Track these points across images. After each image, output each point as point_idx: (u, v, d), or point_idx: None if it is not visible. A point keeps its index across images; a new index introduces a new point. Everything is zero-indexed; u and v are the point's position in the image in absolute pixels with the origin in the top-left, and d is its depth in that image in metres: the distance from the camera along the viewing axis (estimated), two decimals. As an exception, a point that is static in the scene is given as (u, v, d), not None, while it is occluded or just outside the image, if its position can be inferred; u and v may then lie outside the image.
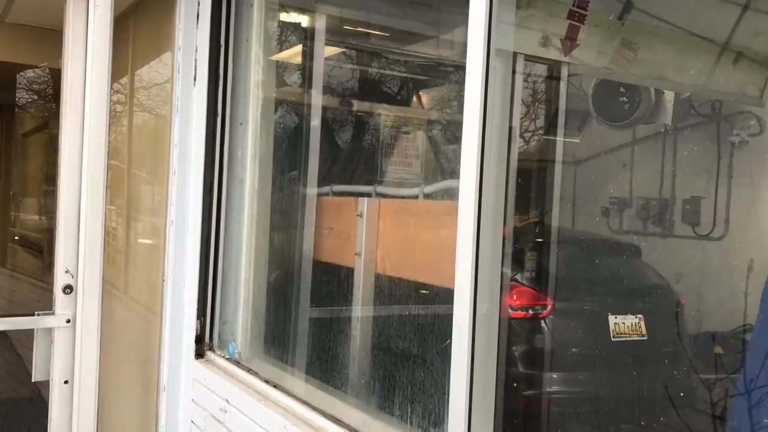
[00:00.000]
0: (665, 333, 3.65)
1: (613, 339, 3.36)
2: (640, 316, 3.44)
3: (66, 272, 2.72)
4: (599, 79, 3.98)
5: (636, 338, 3.40)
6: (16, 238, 7.45)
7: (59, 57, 2.76)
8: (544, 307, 3.59)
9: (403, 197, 2.93)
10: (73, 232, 2.71)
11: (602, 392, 3.45)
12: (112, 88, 2.80)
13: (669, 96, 3.94)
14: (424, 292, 2.20)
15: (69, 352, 2.73)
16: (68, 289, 2.72)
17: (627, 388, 3.43)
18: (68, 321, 2.72)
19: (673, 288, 3.85)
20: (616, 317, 3.35)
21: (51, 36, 3.39)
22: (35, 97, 7.31)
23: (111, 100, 2.79)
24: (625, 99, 3.94)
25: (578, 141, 4.29)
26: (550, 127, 4.12)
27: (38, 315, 2.72)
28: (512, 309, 3.47)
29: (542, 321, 3.56)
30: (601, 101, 4.03)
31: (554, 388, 3.51)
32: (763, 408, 1.93)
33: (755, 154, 4.04)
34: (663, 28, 2.99)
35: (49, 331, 2.73)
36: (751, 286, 3.18)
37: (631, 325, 3.39)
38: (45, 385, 2.82)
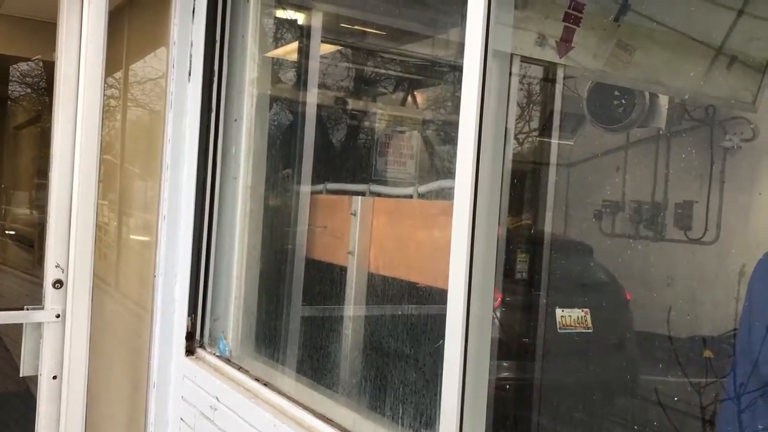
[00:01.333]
0: (611, 326, 3.79)
1: (559, 331, 3.47)
2: (587, 309, 3.56)
3: (56, 267, 2.70)
4: (594, 82, 3.99)
5: (582, 330, 3.52)
6: (7, 231, 7.41)
7: (53, 50, 2.75)
8: (494, 299, 3.66)
9: (397, 196, 2.92)
10: (64, 226, 2.70)
11: (546, 379, 3.55)
12: (106, 83, 2.78)
13: (663, 100, 3.95)
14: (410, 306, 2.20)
15: (58, 348, 2.71)
16: (58, 283, 2.70)
17: (571, 377, 3.54)
18: (58, 316, 2.70)
19: (620, 284, 3.98)
20: (563, 310, 3.47)
21: (45, 28, 3.37)
22: (28, 90, 7.27)
23: (105, 95, 2.78)
24: (619, 102, 3.95)
25: (572, 143, 4.29)
26: (544, 129, 4.12)
27: (27, 309, 2.70)
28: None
29: (493, 312, 3.64)
30: (595, 104, 4.04)
31: (502, 375, 3.58)
32: (754, 413, 1.94)
33: (748, 159, 4.05)
34: (658, 31, 2.99)
35: (38, 326, 2.71)
36: (742, 291, 3.19)
37: (578, 318, 3.51)
38: (33, 380, 2.80)
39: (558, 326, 3.38)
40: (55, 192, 2.69)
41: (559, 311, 3.35)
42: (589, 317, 3.43)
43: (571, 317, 3.40)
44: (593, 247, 4.22)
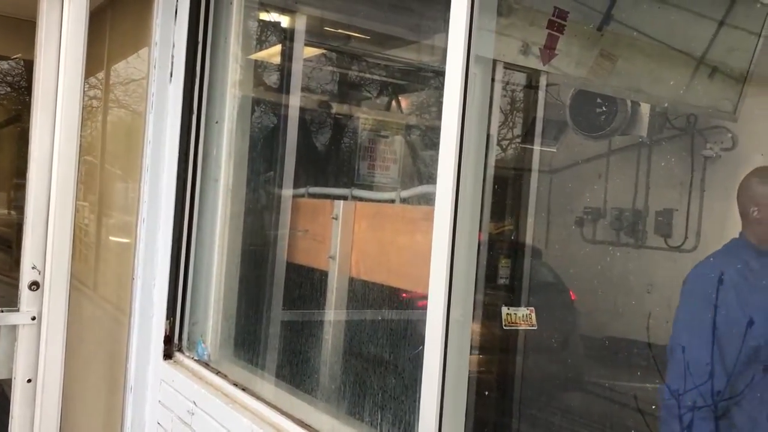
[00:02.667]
0: (555, 324, 3.91)
1: (504, 328, 3.57)
2: (532, 308, 3.65)
3: (33, 268, 2.66)
4: (577, 90, 4.01)
5: (526, 328, 3.62)
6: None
7: (33, 49, 2.71)
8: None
9: (379, 201, 2.92)
10: (42, 227, 2.66)
11: (489, 373, 3.64)
12: (87, 83, 2.75)
13: (645, 108, 3.98)
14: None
15: (33, 350, 2.67)
16: (34, 285, 2.66)
17: (513, 371, 3.64)
18: (33, 318, 2.66)
19: (566, 285, 4.07)
20: (508, 308, 3.55)
21: (25, 27, 3.33)
22: (8, 89, 7.18)
23: (86, 95, 2.75)
24: (601, 110, 3.98)
25: (555, 150, 4.31)
26: (527, 135, 4.14)
27: (2, 311, 2.66)
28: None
29: None
30: (578, 112, 4.06)
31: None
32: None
33: (727, 168, 4.09)
34: (641, 40, 3.02)
35: (13, 329, 2.67)
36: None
37: (523, 315, 3.58)
38: (7, 383, 2.76)
39: (503, 323, 3.45)
40: (33, 192, 2.66)
41: (504, 309, 3.40)
42: (533, 315, 3.50)
43: (516, 315, 3.45)
44: (542, 251, 4.33)
